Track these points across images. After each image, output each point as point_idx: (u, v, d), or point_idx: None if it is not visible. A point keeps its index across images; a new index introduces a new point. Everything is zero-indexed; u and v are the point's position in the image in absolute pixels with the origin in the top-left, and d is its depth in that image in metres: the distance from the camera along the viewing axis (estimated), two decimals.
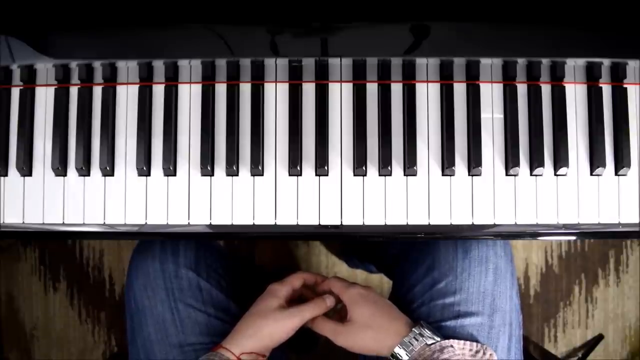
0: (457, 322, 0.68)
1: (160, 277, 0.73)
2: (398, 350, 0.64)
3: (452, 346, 0.64)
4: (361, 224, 0.66)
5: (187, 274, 0.74)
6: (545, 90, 0.67)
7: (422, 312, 0.71)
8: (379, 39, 0.65)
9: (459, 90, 0.67)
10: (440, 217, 0.66)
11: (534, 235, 0.67)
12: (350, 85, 0.67)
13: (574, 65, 0.67)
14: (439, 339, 0.65)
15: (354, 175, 0.66)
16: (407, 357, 0.63)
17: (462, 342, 0.66)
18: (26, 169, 0.67)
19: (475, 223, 0.66)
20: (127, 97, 0.68)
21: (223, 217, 0.66)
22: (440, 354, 0.63)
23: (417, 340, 0.64)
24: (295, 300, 0.72)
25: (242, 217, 0.66)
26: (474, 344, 0.66)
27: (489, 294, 0.69)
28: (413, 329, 0.65)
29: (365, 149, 0.66)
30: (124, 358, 0.80)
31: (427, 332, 0.65)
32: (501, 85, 0.67)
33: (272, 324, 0.66)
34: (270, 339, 0.66)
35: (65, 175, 0.67)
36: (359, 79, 0.67)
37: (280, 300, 0.68)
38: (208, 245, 0.79)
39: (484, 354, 0.65)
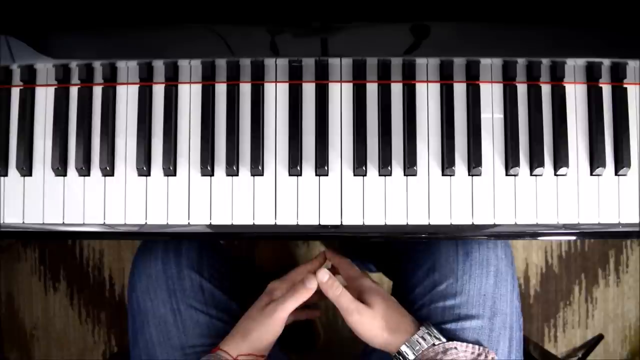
0: (457, 324, 0.68)
1: (162, 278, 0.73)
2: (405, 348, 0.64)
3: (455, 348, 0.64)
4: (361, 224, 0.66)
5: (189, 275, 0.74)
6: (545, 90, 0.67)
7: (422, 314, 0.71)
8: (379, 39, 0.65)
9: (459, 90, 0.67)
10: (440, 217, 0.66)
11: (534, 235, 0.67)
12: (350, 85, 0.67)
13: (574, 65, 0.67)
14: (444, 340, 0.65)
15: (354, 175, 0.66)
16: (413, 357, 0.63)
17: (464, 344, 0.66)
18: (26, 169, 0.67)
19: (475, 223, 0.66)
20: (127, 97, 0.68)
21: (223, 217, 0.66)
22: (443, 355, 0.63)
23: (424, 339, 0.64)
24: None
25: (242, 217, 0.66)
26: (476, 346, 0.66)
27: (489, 296, 0.69)
28: (421, 328, 0.65)
29: (365, 149, 0.66)
30: (124, 358, 0.80)
31: (434, 332, 0.65)
32: (501, 85, 0.67)
33: (257, 327, 0.66)
34: (260, 342, 0.66)
35: (65, 175, 0.67)
36: (359, 79, 0.67)
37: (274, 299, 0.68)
38: (211, 246, 0.79)
39: (486, 357, 0.65)
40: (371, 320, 0.65)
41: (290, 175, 0.66)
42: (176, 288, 0.73)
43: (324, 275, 0.67)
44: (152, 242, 0.76)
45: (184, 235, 0.68)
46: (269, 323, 0.66)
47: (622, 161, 0.66)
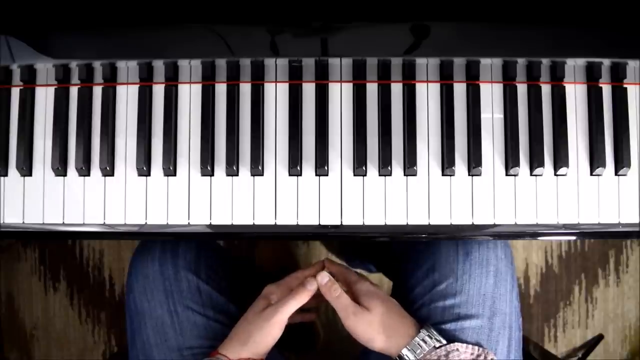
0: (457, 324, 0.68)
1: (159, 279, 0.73)
2: (406, 352, 0.64)
3: (457, 350, 0.65)
4: (361, 224, 0.66)
5: (186, 276, 0.74)
6: (545, 90, 0.67)
7: (422, 314, 0.71)
8: (379, 39, 0.65)
9: (459, 90, 0.67)
10: (440, 217, 0.66)
11: (534, 235, 0.67)
12: (350, 85, 0.67)
13: (574, 65, 0.67)
14: (445, 342, 0.65)
15: (354, 175, 0.66)
16: None
17: (464, 345, 0.66)
18: (26, 169, 0.67)
19: (475, 223, 0.66)
20: (127, 97, 0.68)
21: (223, 217, 0.66)
22: (445, 358, 0.63)
23: (425, 342, 0.64)
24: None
25: (242, 217, 0.66)
26: (476, 347, 0.66)
27: (489, 296, 0.69)
28: (421, 331, 0.65)
29: (365, 149, 0.66)
30: (124, 358, 0.80)
31: (435, 334, 0.65)
32: (501, 85, 0.67)
33: (256, 331, 0.66)
34: (260, 345, 0.66)
35: (65, 175, 0.67)
36: (359, 79, 0.67)
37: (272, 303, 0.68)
38: (208, 246, 0.79)
39: (485, 358, 0.65)
40: (368, 323, 0.65)
41: (290, 175, 0.66)
42: (173, 289, 0.73)
43: (323, 277, 0.68)
44: (150, 242, 0.76)
45: (184, 235, 0.68)
46: (268, 326, 0.65)
47: (622, 161, 0.66)
